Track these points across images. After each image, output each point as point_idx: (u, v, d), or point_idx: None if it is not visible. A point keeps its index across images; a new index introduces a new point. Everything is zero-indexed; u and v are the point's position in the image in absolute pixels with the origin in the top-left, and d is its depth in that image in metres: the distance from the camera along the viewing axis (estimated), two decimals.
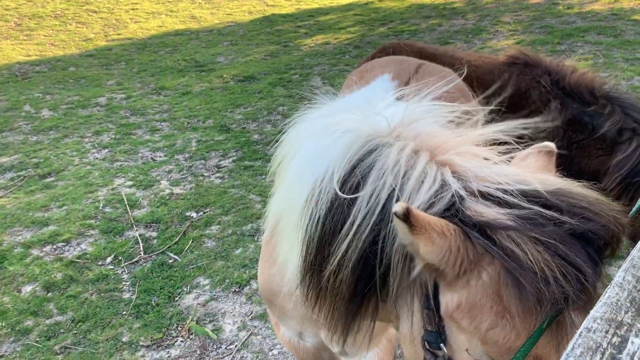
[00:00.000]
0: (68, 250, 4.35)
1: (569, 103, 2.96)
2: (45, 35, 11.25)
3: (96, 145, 6.35)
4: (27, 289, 3.92)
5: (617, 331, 0.75)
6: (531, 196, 1.15)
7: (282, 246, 1.63)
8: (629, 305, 0.78)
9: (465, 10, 11.46)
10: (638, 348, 0.73)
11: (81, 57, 9.99)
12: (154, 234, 4.53)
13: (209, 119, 6.89)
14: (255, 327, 3.47)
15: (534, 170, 1.31)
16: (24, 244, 4.41)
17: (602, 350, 0.72)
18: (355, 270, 1.29)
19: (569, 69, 3.08)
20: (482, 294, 1.11)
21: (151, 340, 3.42)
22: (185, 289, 3.85)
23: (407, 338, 1.33)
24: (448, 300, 1.17)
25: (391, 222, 1.20)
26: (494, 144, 1.37)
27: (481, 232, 1.12)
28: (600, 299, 0.81)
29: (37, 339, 3.45)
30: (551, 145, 1.37)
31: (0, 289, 3.92)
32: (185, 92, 7.96)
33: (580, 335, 0.75)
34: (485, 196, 1.18)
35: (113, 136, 6.58)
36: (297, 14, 12.63)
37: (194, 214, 4.75)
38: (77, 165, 5.85)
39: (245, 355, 3.25)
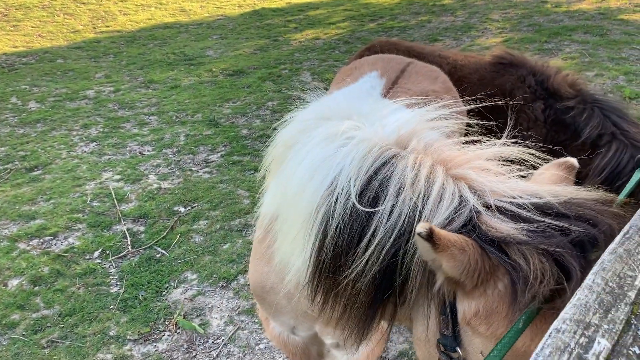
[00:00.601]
0: (55, 244, 4.35)
1: (553, 104, 3.01)
2: (32, 27, 11.14)
3: (84, 138, 6.33)
4: (14, 282, 3.92)
5: (584, 332, 0.78)
6: (544, 209, 1.21)
7: (282, 248, 1.65)
8: (597, 307, 0.82)
9: (455, 7, 11.50)
10: (603, 348, 0.77)
11: (69, 49, 9.91)
12: (142, 228, 4.54)
13: (198, 113, 6.88)
14: (242, 321, 3.50)
15: (549, 182, 1.36)
16: (10, 238, 4.40)
17: (570, 350, 0.76)
18: (374, 280, 1.34)
19: (553, 70, 3.13)
20: (499, 302, 1.17)
21: (138, 335, 3.44)
22: (172, 284, 3.87)
23: (422, 340, 1.39)
24: (466, 307, 1.23)
25: (412, 237, 1.25)
26: (503, 159, 1.41)
27: (497, 246, 1.17)
28: (570, 301, 0.85)
29: (23, 333, 3.46)
30: (572, 160, 1.43)
31: None
32: (174, 86, 7.94)
33: (549, 335, 0.78)
34: (501, 210, 1.23)
35: (101, 129, 6.55)
36: (287, 8, 12.60)
37: (182, 209, 4.76)
38: (64, 158, 5.83)
39: (232, 350, 3.29)
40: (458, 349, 1.26)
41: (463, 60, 3.39)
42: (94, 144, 6.19)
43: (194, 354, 3.29)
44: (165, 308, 3.64)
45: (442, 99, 2.51)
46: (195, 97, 7.46)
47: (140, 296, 3.76)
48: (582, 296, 0.83)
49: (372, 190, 1.34)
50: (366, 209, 1.33)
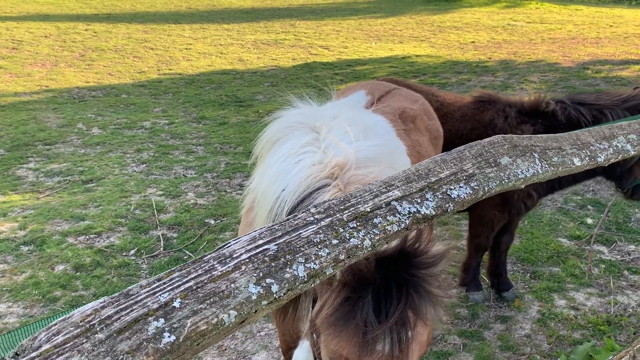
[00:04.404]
0: (98, 241, 4.92)
1: (536, 121, 3.50)
2: (104, 66, 12.32)
3: (136, 160, 7.02)
4: (60, 267, 4.48)
5: (388, 187, 1.20)
6: None
7: (257, 224, 2.10)
8: (402, 179, 1.23)
9: (497, 69, 11.96)
10: (398, 194, 1.17)
11: (134, 86, 10.91)
12: (175, 234, 5.06)
13: (240, 146, 7.50)
14: None
15: None
16: (61, 233, 5.01)
17: (375, 193, 1.17)
18: None
19: (521, 98, 3.64)
20: None
21: None
22: None
23: None
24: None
25: None
26: None
27: None
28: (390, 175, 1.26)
29: (62, 306, 3.97)
30: None
31: (37, 265, 4.49)
32: (223, 122, 8.65)
33: (366, 186, 1.20)
34: None
35: (152, 154, 7.25)
36: (337, 63, 13.39)
37: (212, 221, 5.27)
38: (116, 175, 6.51)
39: (236, 335, 3.68)
40: None
41: (451, 99, 3.87)
42: (144, 165, 6.87)
43: None
44: None
45: (417, 116, 2.96)
46: (240, 132, 8.11)
47: None
48: (396, 174, 1.24)
49: (300, 210, 1.67)
50: None
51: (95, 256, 4.64)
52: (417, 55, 13.91)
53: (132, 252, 4.76)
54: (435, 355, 3.52)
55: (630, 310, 3.91)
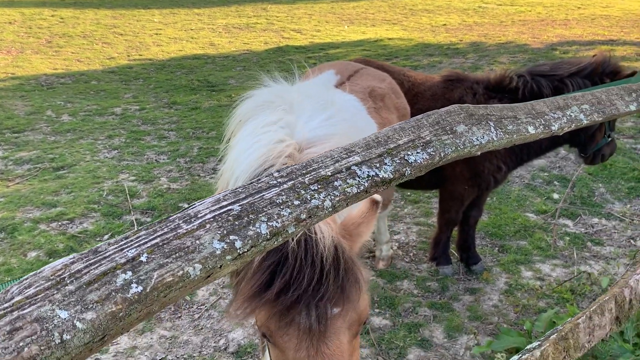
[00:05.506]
0: (71, 227, 4.90)
1: (503, 96, 3.61)
2: (72, 52, 12.11)
3: (107, 146, 6.97)
4: (32, 254, 4.46)
5: (348, 153, 1.26)
6: None
7: None
8: (362, 146, 1.29)
9: (468, 51, 12.10)
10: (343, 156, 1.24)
11: (103, 72, 10.76)
12: (149, 219, 5.06)
13: (213, 131, 7.49)
14: (225, 293, 3.95)
15: (358, 214, 1.74)
16: (33, 220, 4.97)
17: (335, 158, 1.23)
18: None
19: (488, 75, 3.74)
20: None
21: None
22: None
23: None
24: None
25: None
26: None
27: None
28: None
29: None
30: (375, 196, 1.74)
31: (9, 252, 4.46)
32: (195, 107, 8.61)
33: (328, 152, 1.25)
34: None
35: (124, 140, 7.19)
36: (310, 47, 13.38)
37: (185, 205, 5.26)
38: (88, 161, 6.46)
39: (212, 314, 3.73)
40: None
41: (421, 79, 3.95)
42: (116, 151, 6.82)
43: (179, 315, 3.74)
44: None
45: (385, 95, 3.03)
46: (213, 117, 8.09)
47: None
48: (356, 142, 1.31)
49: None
50: None
51: (69, 242, 4.63)
52: (390, 39, 13.97)
53: (106, 237, 4.75)
54: (407, 326, 3.63)
55: (592, 279, 4.06)
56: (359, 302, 1.58)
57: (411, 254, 4.55)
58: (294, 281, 1.51)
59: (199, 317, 3.72)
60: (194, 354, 3.43)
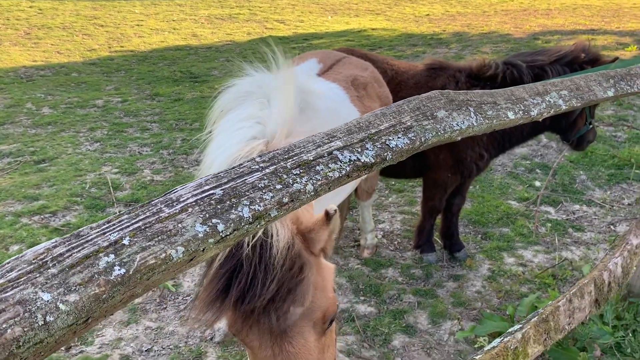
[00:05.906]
0: (54, 220, 4.86)
1: (485, 84, 3.64)
2: (52, 44, 11.93)
3: (89, 139, 6.90)
4: (14, 248, 4.42)
5: (330, 138, 1.27)
6: None
7: None
8: (344, 131, 1.30)
9: (451, 41, 12.15)
10: (340, 145, 1.25)
11: (84, 64, 10.63)
12: None
13: (196, 122, 7.45)
14: None
15: (315, 221, 1.74)
16: (14, 213, 4.92)
17: (317, 143, 1.24)
18: None
19: (470, 63, 3.78)
20: None
21: None
22: None
23: None
24: None
25: None
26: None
27: None
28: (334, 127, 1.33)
29: None
30: (329, 207, 1.72)
31: None
32: (178, 99, 8.55)
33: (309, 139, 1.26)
34: None
35: (106, 133, 7.13)
36: (293, 37, 13.34)
37: None
38: (70, 154, 6.39)
39: (197, 304, 3.73)
40: None
41: (405, 67, 3.96)
42: (98, 144, 6.76)
43: (165, 306, 3.74)
44: None
45: (367, 84, 3.04)
46: (196, 109, 8.04)
47: None
48: (338, 127, 1.32)
49: None
50: None
51: (51, 235, 4.58)
52: (373, 29, 13.97)
53: None
54: (391, 313, 3.66)
55: (574, 264, 4.13)
56: (317, 302, 1.63)
57: (396, 242, 4.58)
58: (249, 288, 1.56)
59: (184, 308, 3.72)
60: (180, 344, 3.44)
